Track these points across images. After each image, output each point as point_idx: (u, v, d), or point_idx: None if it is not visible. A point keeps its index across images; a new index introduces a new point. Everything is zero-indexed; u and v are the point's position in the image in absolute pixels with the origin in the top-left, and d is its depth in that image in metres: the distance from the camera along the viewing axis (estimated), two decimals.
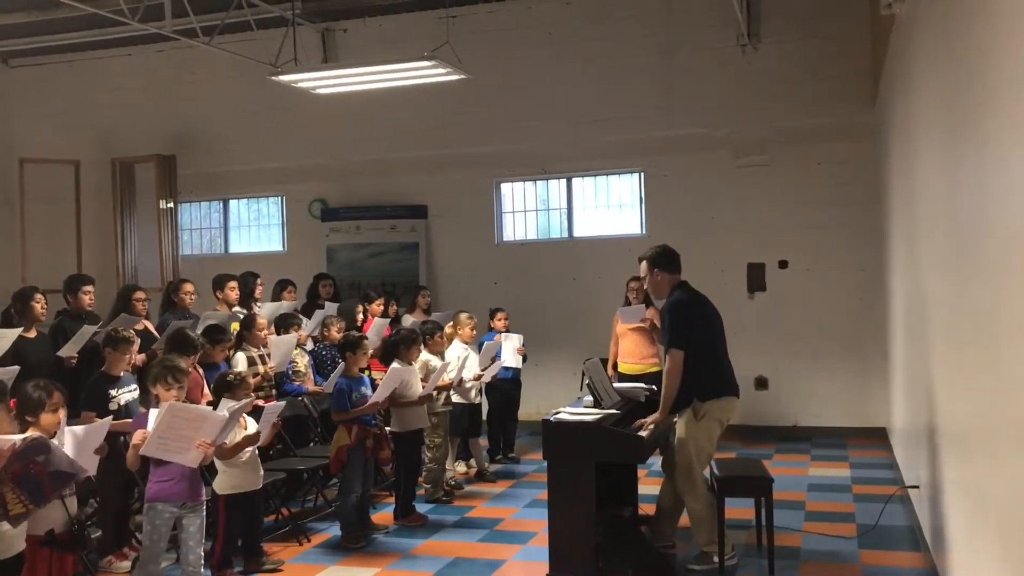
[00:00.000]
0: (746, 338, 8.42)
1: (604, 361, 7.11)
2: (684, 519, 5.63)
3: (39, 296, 6.64)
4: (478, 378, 7.64)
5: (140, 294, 7.37)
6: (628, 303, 8.15)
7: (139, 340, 6.08)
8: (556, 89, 10.17)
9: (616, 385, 6.31)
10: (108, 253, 11.31)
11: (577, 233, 10.58)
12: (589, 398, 5.76)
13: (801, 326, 9.49)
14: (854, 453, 8.60)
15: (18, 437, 3.79)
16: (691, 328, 5.35)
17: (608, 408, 5.59)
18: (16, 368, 5.56)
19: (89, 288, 7.10)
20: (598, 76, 10.01)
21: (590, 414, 5.42)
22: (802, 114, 9.41)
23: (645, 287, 6.14)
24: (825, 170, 9.39)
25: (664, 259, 5.58)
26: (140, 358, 6.32)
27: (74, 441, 4.09)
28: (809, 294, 9.49)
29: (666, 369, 5.37)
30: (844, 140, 9.31)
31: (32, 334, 6.52)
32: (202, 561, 4.85)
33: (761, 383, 9.57)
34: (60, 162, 11.30)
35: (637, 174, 10.31)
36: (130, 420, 5.28)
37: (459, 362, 7.50)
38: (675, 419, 5.47)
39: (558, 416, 5.38)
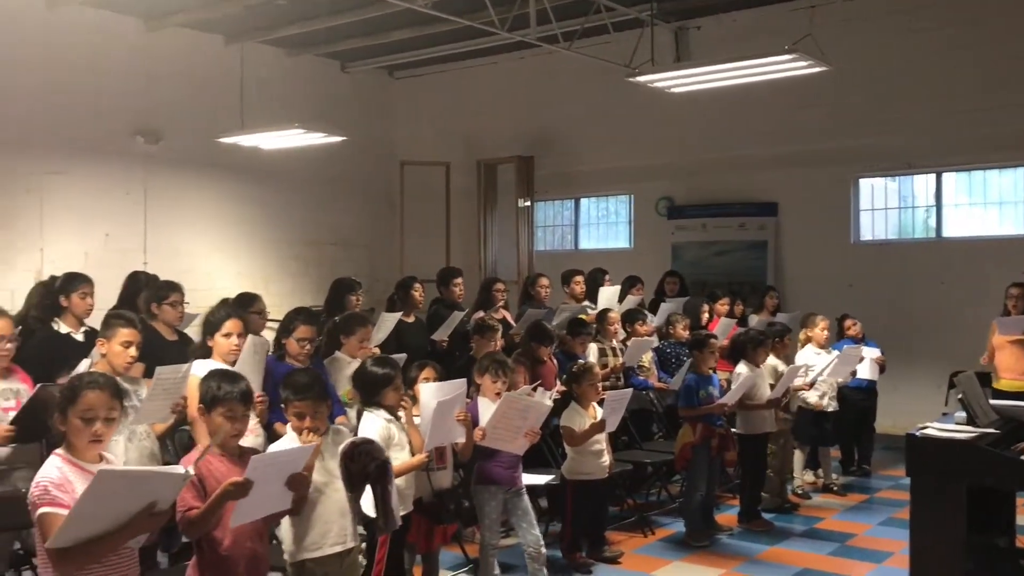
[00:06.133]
0: None
1: (980, 375, 6.44)
2: None
3: (418, 285, 7.48)
4: (811, 386, 7.24)
5: (500, 285, 8.00)
6: (1007, 312, 7.34)
7: (501, 328, 6.56)
8: (925, 78, 9.38)
9: (992, 402, 5.70)
10: (472, 247, 12.27)
11: (946, 233, 9.70)
12: (961, 414, 5.25)
13: None
14: None
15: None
16: None
17: (984, 427, 5.08)
18: (403, 356, 6.22)
19: (458, 280, 7.87)
20: (975, 62, 9.07)
21: (963, 432, 4.96)
22: None
23: None
24: None
25: None
26: (501, 344, 6.79)
27: (431, 395, 4.47)
28: None
29: None
30: None
31: (411, 319, 7.28)
32: (541, 541, 5.10)
33: None
34: (433, 164, 12.40)
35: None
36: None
37: (810, 367, 7.23)
38: None
39: (925, 431, 4.98)
